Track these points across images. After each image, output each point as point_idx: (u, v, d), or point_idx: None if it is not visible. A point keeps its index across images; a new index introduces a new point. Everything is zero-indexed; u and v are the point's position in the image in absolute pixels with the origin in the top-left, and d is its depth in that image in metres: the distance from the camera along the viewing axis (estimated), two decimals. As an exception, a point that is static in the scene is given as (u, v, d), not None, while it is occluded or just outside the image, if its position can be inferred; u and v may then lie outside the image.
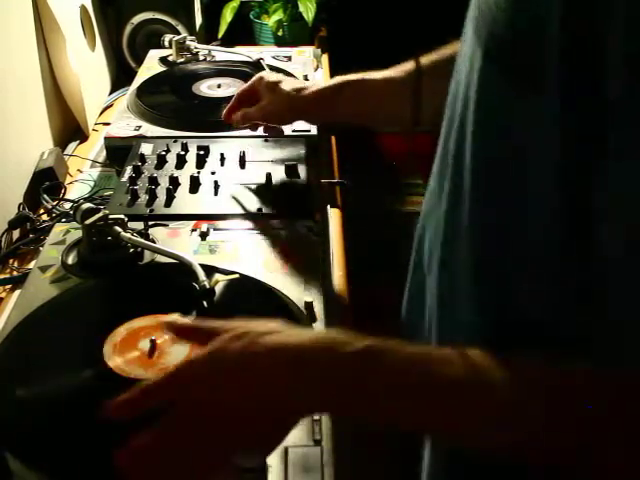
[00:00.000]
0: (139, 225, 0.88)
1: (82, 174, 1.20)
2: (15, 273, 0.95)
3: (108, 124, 1.27)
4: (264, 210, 0.95)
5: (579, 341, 0.46)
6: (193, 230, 0.91)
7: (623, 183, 0.41)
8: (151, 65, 1.45)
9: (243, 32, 1.77)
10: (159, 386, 0.53)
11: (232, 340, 0.52)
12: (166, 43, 1.48)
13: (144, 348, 0.69)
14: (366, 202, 1.99)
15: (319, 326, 0.74)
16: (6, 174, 1.07)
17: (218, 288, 0.77)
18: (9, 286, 0.93)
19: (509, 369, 0.47)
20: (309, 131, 1.15)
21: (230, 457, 0.52)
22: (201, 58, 1.48)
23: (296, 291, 0.79)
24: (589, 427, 0.45)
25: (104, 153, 1.19)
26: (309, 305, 0.76)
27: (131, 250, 0.85)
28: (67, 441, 0.62)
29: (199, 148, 1.08)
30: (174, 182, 0.99)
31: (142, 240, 0.85)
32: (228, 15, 1.70)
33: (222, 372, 0.51)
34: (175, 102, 1.27)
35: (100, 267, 0.84)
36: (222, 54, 1.50)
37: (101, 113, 1.44)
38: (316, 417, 0.63)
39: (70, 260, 0.85)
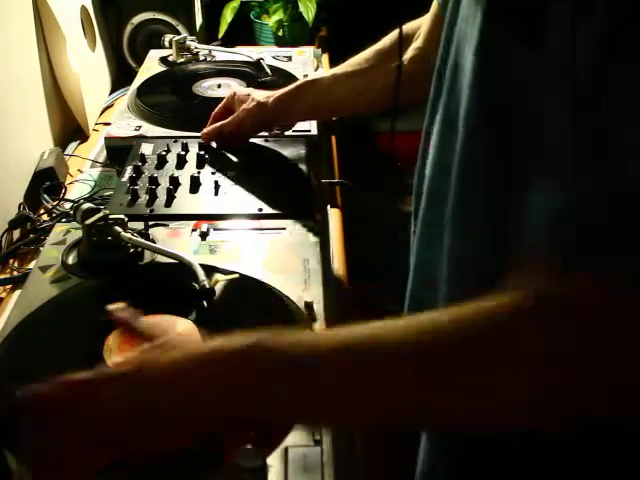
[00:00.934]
0: (139, 225, 0.88)
1: (82, 174, 1.20)
2: (15, 273, 0.96)
3: (108, 124, 1.27)
4: (264, 210, 0.95)
5: None
6: (193, 230, 0.91)
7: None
8: (151, 65, 1.45)
9: (243, 32, 1.77)
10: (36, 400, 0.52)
11: (141, 354, 0.52)
12: (166, 43, 1.48)
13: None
14: (366, 202, 1.99)
15: (319, 326, 0.74)
16: (6, 174, 1.07)
17: (218, 288, 0.78)
18: (9, 286, 0.93)
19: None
20: (309, 131, 1.15)
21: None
22: (201, 58, 1.48)
23: (296, 291, 0.79)
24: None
25: (104, 153, 1.19)
26: (309, 305, 0.76)
27: (131, 250, 0.85)
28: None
29: (199, 148, 1.08)
30: (174, 182, 0.99)
31: (142, 240, 0.85)
32: (228, 15, 1.70)
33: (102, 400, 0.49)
34: (175, 102, 1.27)
35: (100, 267, 0.84)
36: (222, 54, 1.50)
37: (101, 113, 1.44)
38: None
39: (70, 260, 0.85)
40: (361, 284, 0.94)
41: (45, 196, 1.09)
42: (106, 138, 1.16)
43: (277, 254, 0.86)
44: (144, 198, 0.97)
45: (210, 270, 0.80)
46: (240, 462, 0.55)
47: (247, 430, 0.55)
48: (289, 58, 1.48)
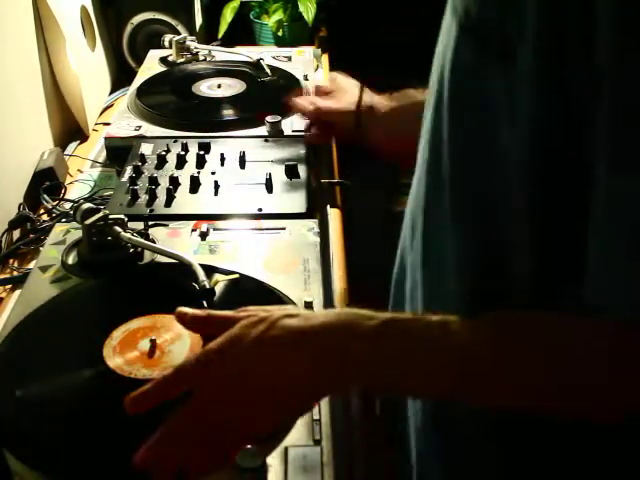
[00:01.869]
0: (139, 225, 0.88)
1: (82, 174, 1.20)
2: (15, 273, 0.95)
3: (108, 124, 1.27)
4: (264, 210, 0.95)
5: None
6: (193, 230, 0.91)
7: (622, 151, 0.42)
8: (151, 65, 1.45)
9: (243, 32, 1.76)
10: (179, 374, 0.54)
11: (251, 326, 0.53)
12: (166, 43, 1.48)
13: (144, 348, 0.69)
14: (366, 202, 1.99)
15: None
16: (6, 174, 1.07)
17: (218, 288, 0.78)
18: (9, 286, 0.93)
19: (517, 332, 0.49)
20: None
21: (247, 440, 0.53)
22: (201, 58, 1.48)
23: (296, 291, 0.79)
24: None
25: (104, 153, 1.19)
26: (309, 305, 0.76)
27: (131, 250, 0.85)
28: (67, 441, 0.62)
29: (199, 148, 1.08)
30: (174, 182, 0.99)
31: (142, 240, 0.85)
32: (228, 15, 1.70)
33: (243, 357, 0.52)
34: (175, 102, 1.27)
35: (100, 267, 0.84)
36: (222, 54, 1.50)
37: (101, 113, 1.44)
38: (316, 417, 0.62)
39: (70, 260, 0.85)
40: (361, 284, 0.94)
41: (45, 196, 1.08)
42: (106, 138, 1.16)
43: (277, 254, 0.86)
44: (144, 198, 0.97)
45: (210, 270, 0.80)
46: (240, 462, 0.55)
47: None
48: (289, 58, 1.48)
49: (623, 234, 0.43)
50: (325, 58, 1.66)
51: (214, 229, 0.91)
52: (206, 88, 1.29)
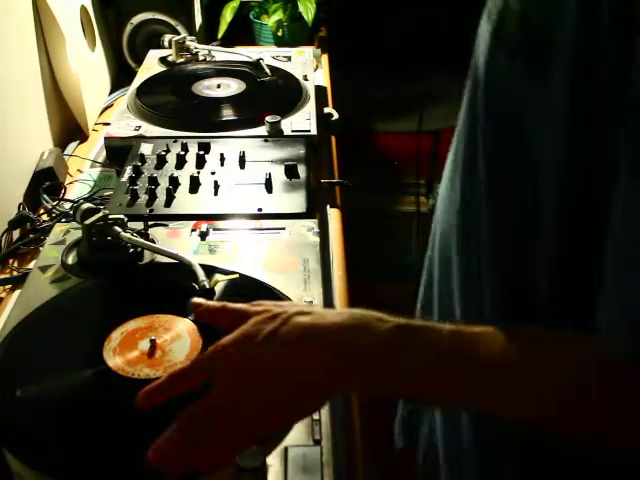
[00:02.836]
0: (139, 225, 0.88)
1: (82, 174, 1.20)
2: (15, 273, 0.95)
3: (108, 124, 1.27)
4: (264, 210, 0.95)
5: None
6: (193, 230, 0.91)
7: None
8: (151, 65, 1.45)
9: (243, 32, 1.77)
10: (196, 365, 0.54)
11: (265, 322, 0.53)
12: (166, 43, 1.48)
13: (144, 348, 0.69)
14: (366, 202, 1.99)
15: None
16: (6, 174, 1.07)
17: (218, 288, 0.77)
18: (9, 286, 0.93)
19: (543, 346, 0.49)
20: (309, 131, 1.15)
21: (260, 435, 0.53)
22: (201, 58, 1.48)
23: (296, 291, 0.79)
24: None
25: (104, 153, 1.19)
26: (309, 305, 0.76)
27: (131, 250, 0.85)
28: (67, 441, 0.62)
29: (199, 148, 1.08)
30: (174, 182, 0.99)
31: (142, 240, 0.85)
32: (228, 15, 1.70)
33: (258, 352, 0.52)
34: (175, 102, 1.27)
35: (100, 267, 0.84)
36: (222, 54, 1.50)
37: (101, 113, 1.44)
38: (316, 417, 0.62)
39: (70, 260, 0.85)
40: (361, 284, 0.94)
41: (45, 196, 1.08)
42: (106, 138, 1.15)
43: (277, 254, 0.86)
44: (144, 198, 0.97)
45: (210, 270, 0.80)
46: (240, 462, 0.55)
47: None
48: (288, 58, 1.48)
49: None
50: (325, 58, 1.66)
51: (214, 229, 0.91)
52: (206, 88, 1.29)
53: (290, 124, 1.16)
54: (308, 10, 1.66)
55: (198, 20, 1.64)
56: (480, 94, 0.54)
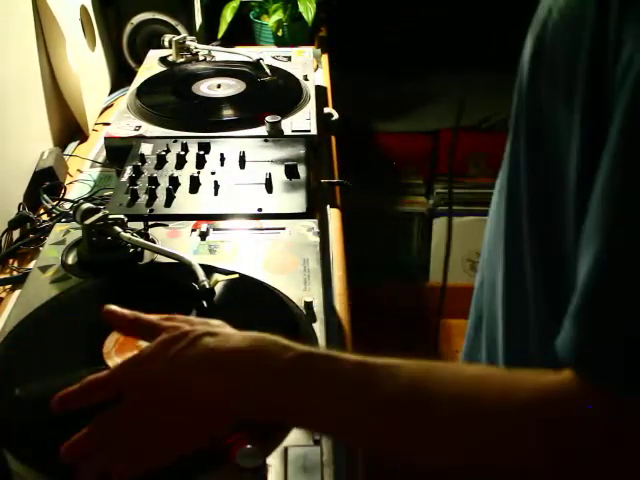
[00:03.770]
0: (139, 225, 0.88)
1: (82, 174, 1.20)
2: (15, 273, 0.95)
3: (108, 124, 1.27)
4: (264, 210, 0.95)
5: None
6: (193, 230, 0.91)
7: None
8: (151, 65, 1.45)
9: (243, 32, 1.77)
10: (100, 383, 0.56)
11: (173, 341, 0.55)
12: (166, 43, 1.48)
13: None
14: (366, 202, 1.99)
15: (319, 326, 0.74)
16: (6, 174, 1.07)
17: (218, 288, 0.77)
18: (9, 286, 0.93)
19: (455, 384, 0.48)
20: (309, 131, 1.15)
21: (167, 458, 0.54)
22: (201, 58, 1.48)
23: (296, 291, 0.79)
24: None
25: (104, 153, 1.19)
26: (309, 305, 0.76)
27: (131, 250, 0.85)
28: (67, 441, 0.62)
29: (199, 148, 1.08)
30: (174, 182, 0.99)
31: (142, 240, 0.85)
32: (228, 15, 1.70)
33: (161, 373, 0.54)
34: (175, 102, 1.27)
35: (100, 267, 0.84)
36: (222, 54, 1.50)
37: (101, 113, 1.44)
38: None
39: (70, 260, 0.85)
40: (361, 284, 0.94)
41: (45, 196, 1.08)
42: (106, 138, 1.15)
43: (277, 254, 0.86)
44: (144, 198, 0.97)
45: (210, 270, 0.80)
46: (240, 462, 0.55)
47: (248, 430, 0.56)
48: (289, 58, 1.48)
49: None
50: (325, 58, 1.66)
51: (214, 229, 0.91)
52: (206, 88, 1.29)
53: (290, 124, 1.16)
54: (308, 10, 1.66)
55: (198, 20, 1.64)
56: (523, 110, 0.55)
